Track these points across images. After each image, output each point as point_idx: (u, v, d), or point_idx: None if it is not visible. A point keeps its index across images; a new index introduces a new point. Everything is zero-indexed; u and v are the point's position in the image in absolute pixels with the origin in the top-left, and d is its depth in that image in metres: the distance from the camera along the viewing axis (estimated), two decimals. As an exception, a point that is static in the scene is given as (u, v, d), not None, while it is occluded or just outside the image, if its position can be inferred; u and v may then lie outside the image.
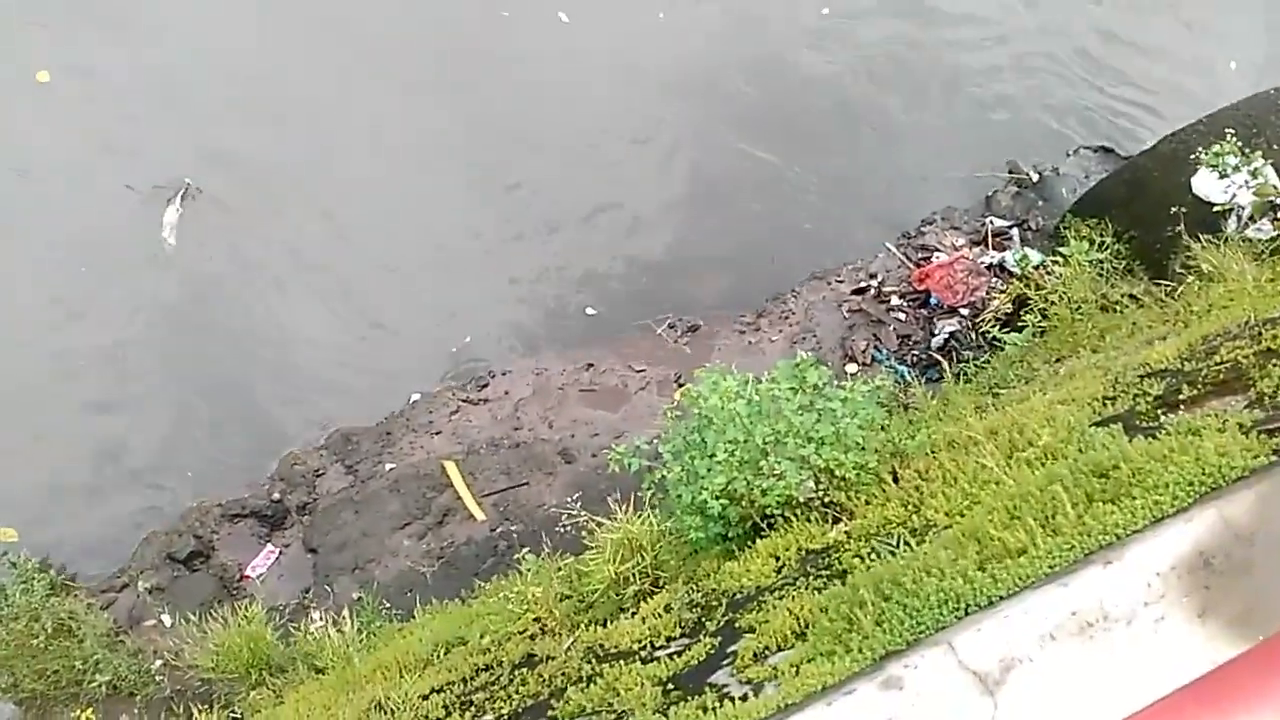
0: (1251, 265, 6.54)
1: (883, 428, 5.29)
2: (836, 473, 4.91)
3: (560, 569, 6.26)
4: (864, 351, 9.35)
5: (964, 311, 9.23)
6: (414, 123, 10.27)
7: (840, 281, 9.91)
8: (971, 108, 10.93)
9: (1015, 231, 9.80)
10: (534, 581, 5.99)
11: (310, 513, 8.84)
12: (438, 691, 5.32)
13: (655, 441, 5.56)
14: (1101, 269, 8.13)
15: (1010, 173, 10.29)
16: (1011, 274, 9.20)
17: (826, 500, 4.95)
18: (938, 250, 9.80)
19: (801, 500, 4.93)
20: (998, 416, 5.19)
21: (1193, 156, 7.76)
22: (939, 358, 8.96)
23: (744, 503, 5.02)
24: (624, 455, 5.38)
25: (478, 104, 10.33)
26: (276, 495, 8.91)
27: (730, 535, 5.21)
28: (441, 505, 8.68)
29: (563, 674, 4.84)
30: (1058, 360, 7.10)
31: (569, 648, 5.18)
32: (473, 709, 5.00)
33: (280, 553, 8.73)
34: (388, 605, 8.11)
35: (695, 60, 10.77)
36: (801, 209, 10.18)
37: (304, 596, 8.41)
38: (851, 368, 9.26)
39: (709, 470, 5.02)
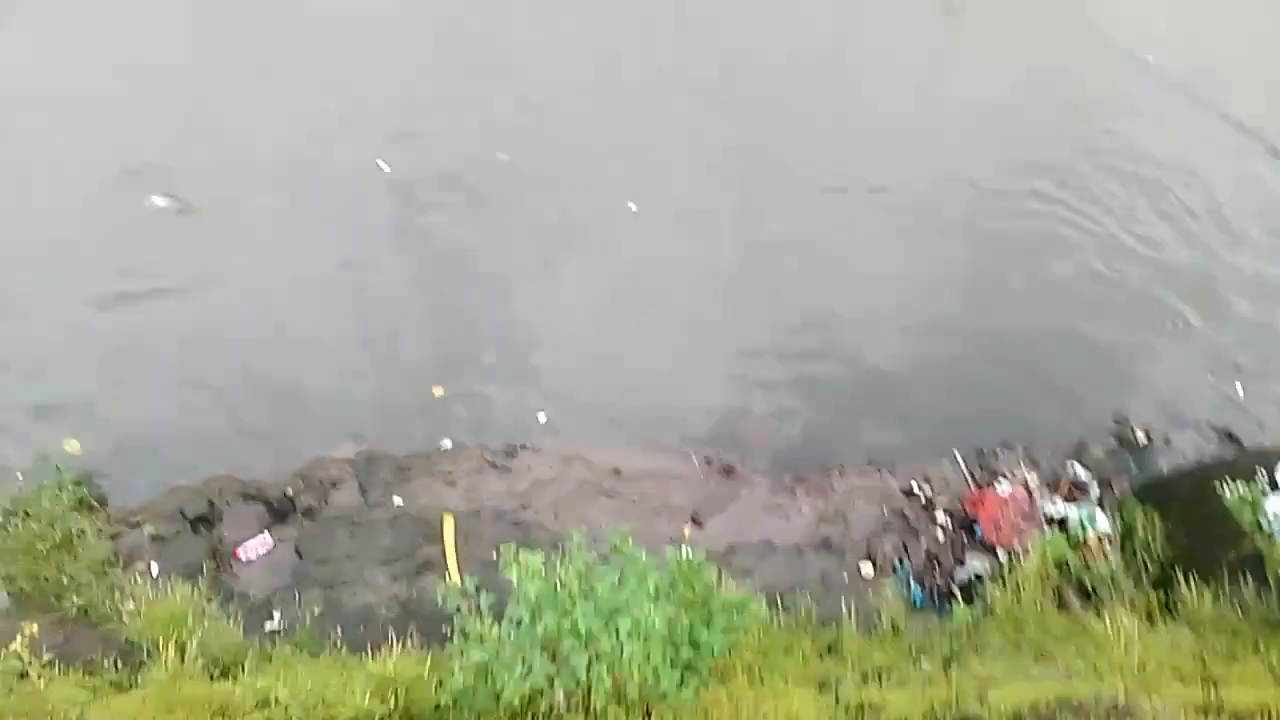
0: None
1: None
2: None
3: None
4: (887, 557, 8.92)
5: (1000, 555, 8.65)
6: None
7: (893, 475, 9.51)
8: (1115, 347, 10.28)
9: (1094, 488, 9.11)
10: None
11: (313, 518, 9.26)
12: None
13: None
14: (1131, 563, 7.49)
15: (1116, 422, 9.59)
16: (1066, 531, 8.57)
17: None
18: (1004, 479, 9.24)
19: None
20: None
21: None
22: (956, 593, 8.45)
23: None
24: (450, 594, 5.48)
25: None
26: (291, 491, 9.39)
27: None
28: (426, 556, 8.90)
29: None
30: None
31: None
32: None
33: (275, 545, 9.18)
34: (338, 633, 8.39)
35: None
36: (879, 390, 9.89)
37: (273, 594, 8.79)
38: (867, 568, 8.87)
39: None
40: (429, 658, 6.72)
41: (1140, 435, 9.49)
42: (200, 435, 9.96)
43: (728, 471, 9.51)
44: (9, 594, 8.68)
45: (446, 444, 9.73)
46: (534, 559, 5.38)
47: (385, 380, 10.12)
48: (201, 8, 13.04)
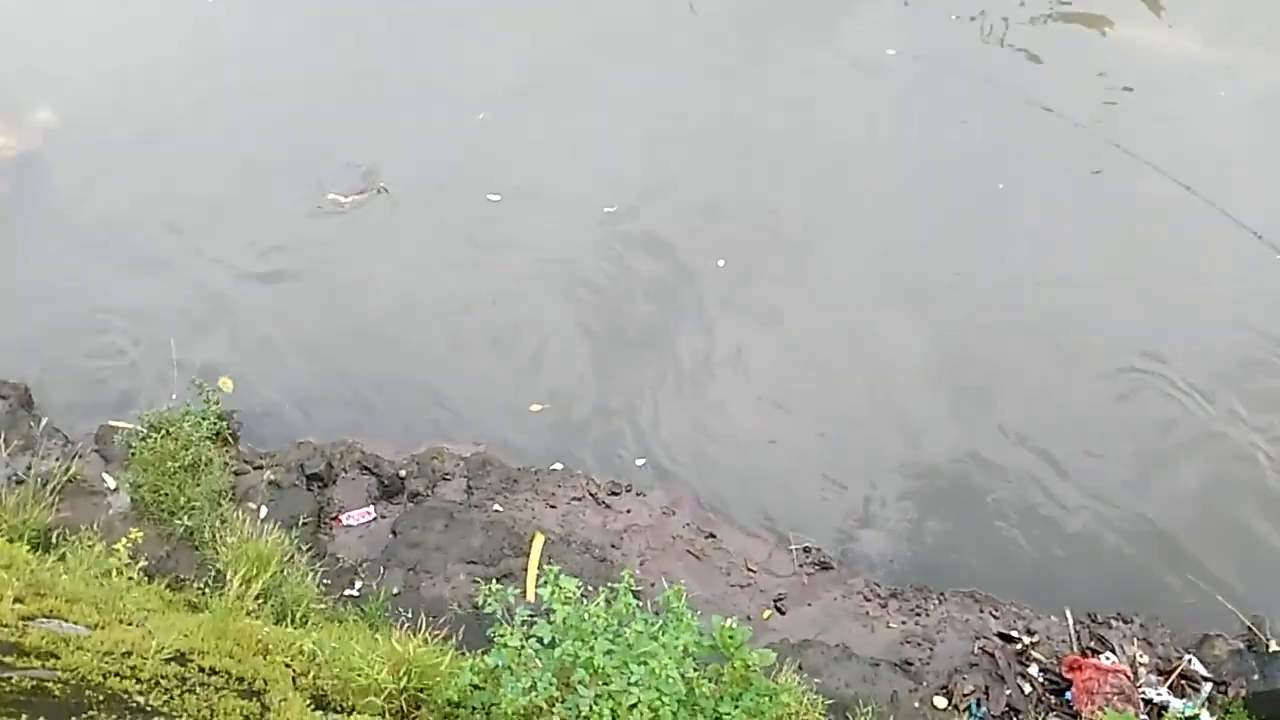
0: None
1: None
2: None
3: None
4: (965, 696, 8.48)
5: (1085, 727, 8.10)
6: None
7: (995, 616, 9.04)
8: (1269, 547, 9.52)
9: (1208, 687, 8.40)
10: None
11: (417, 502, 9.57)
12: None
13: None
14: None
15: (1250, 628, 8.85)
16: (1163, 723, 7.96)
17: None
18: (1110, 652, 8.65)
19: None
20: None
21: None
22: (1028, 752, 7.95)
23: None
24: (493, 595, 5.57)
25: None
26: (404, 473, 9.74)
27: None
28: (510, 566, 9.04)
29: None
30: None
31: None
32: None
33: (375, 519, 9.53)
34: (407, 615, 8.62)
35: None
36: (1004, 530, 9.48)
37: (360, 564, 9.12)
38: (941, 702, 8.43)
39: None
40: (451, 651, 6.86)
41: (1273, 643, 8.73)
42: (338, 406, 10.51)
43: (824, 567, 9.27)
44: (131, 500, 9.35)
45: (558, 466, 9.91)
46: (570, 583, 5.44)
47: (519, 394, 10.38)
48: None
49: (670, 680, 5.02)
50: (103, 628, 5.36)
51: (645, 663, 5.02)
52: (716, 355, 10.68)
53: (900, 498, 9.82)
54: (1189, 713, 8.01)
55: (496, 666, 5.58)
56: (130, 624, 5.66)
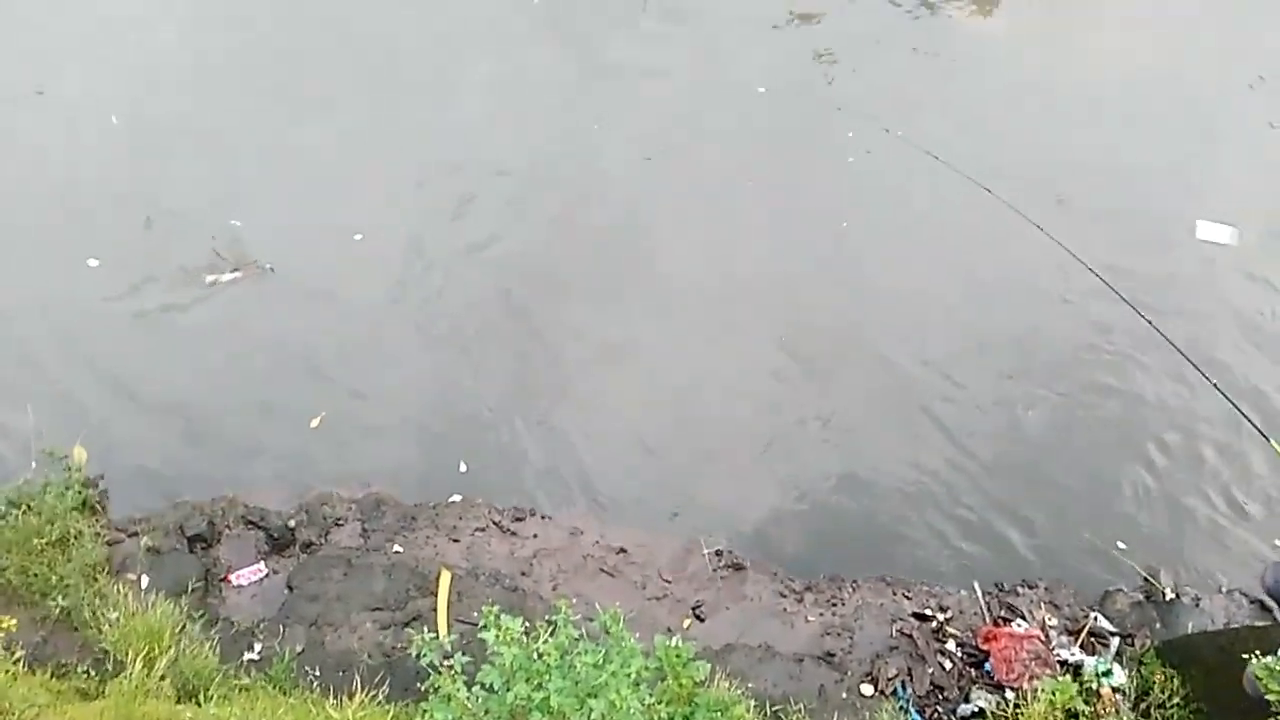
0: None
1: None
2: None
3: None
4: (889, 680, 8.54)
5: (1008, 693, 8.24)
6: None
7: (908, 597, 9.15)
8: (1160, 503, 9.89)
9: (1115, 641, 8.66)
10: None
11: (310, 553, 9.10)
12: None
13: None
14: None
15: (1145, 579, 9.19)
16: (1080, 680, 8.15)
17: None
18: (1022, 618, 8.85)
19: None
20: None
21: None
22: (956, 728, 8.06)
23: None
24: (425, 647, 5.29)
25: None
26: (293, 523, 9.25)
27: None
28: (417, 608, 8.66)
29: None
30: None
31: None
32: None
33: (268, 575, 9.02)
34: (315, 673, 8.17)
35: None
36: (905, 510, 9.62)
37: (258, 624, 8.60)
38: (868, 689, 8.47)
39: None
40: (393, 711, 6.48)
41: (1169, 592, 9.07)
42: (212, 454, 9.88)
43: (737, 568, 9.21)
44: (-2, 585, 8.60)
45: (456, 498, 9.57)
46: (514, 624, 5.19)
47: (407, 424, 10.00)
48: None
49: (631, 712, 4.82)
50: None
51: (598, 696, 4.81)
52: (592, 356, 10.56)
53: (800, 489, 9.86)
54: (1102, 668, 8.24)
55: (444, 720, 5.24)
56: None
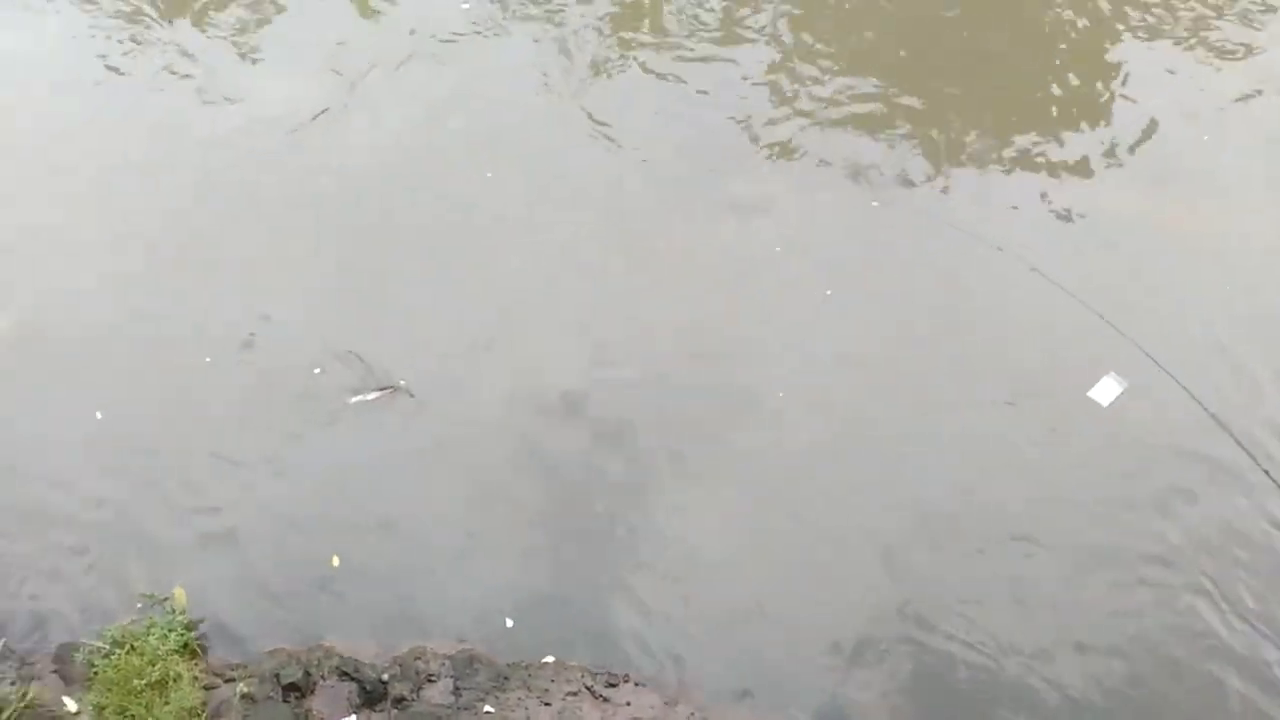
0: None
1: None
2: None
3: None
4: None
5: None
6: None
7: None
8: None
9: None
10: None
11: (402, 708, 9.01)
12: None
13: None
14: None
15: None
16: None
17: None
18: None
19: None
20: None
21: None
22: None
23: None
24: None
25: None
26: (386, 676, 9.20)
27: None
28: (506, 774, 8.49)
29: None
30: None
31: None
32: None
33: (358, 729, 8.95)
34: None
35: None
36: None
37: (344, 781, 8.48)
38: None
39: None
40: None
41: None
42: (312, 605, 9.95)
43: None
44: (90, 714, 8.69)
45: (549, 659, 9.44)
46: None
47: (500, 581, 9.99)
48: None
49: None
50: None
51: None
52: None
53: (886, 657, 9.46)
54: None
55: None
56: None
